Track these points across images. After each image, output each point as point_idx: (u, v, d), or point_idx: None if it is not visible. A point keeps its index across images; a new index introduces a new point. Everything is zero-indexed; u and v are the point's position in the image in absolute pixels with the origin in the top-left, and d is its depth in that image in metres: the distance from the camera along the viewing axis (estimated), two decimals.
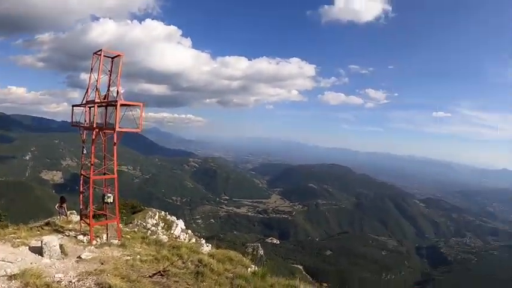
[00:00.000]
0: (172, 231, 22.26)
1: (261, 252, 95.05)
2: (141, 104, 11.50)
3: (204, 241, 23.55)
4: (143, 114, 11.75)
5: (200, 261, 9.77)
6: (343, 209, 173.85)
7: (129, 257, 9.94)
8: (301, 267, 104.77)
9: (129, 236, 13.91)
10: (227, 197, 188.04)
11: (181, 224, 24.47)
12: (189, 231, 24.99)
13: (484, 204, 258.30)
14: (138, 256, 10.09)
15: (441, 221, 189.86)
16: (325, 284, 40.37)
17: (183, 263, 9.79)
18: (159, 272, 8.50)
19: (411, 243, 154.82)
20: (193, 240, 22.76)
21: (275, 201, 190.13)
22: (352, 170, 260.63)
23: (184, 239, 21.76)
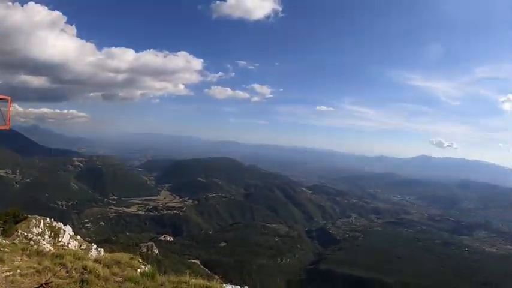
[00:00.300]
0: (60, 239, 21.61)
1: (156, 251, 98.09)
2: (8, 98, 11.01)
3: (95, 246, 23.46)
4: (11, 109, 11.26)
5: (85, 268, 9.28)
6: (234, 201, 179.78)
7: (8, 273, 9.03)
8: (198, 261, 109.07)
9: (8, 249, 12.27)
10: (115, 197, 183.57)
11: (69, 230, 23.59)
12: (79, 237, 24.59)
13: (365, 187, 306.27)
14: (18, 270, 9.25)
15: (327, 205, 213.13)
16: (217, 276, 41.23)
17: (67, 272, 9.16)
18: (41, 285, 8.01)
19: (301, 227, 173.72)
20: (84, 246, 22.70)
21: (165, 198, 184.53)
22: (240, 162, 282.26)
23: (74, 246, 21.53)
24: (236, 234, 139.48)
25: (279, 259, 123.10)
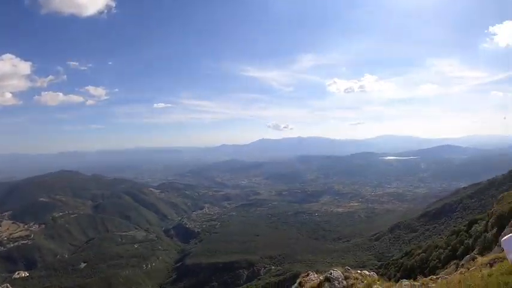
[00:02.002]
0: None
1: None
2: None
3: None
4: None
5: None
6: (83, 216, 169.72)
7: None
8: None
9: None
10: None
11: None
12: None
13: (213, 177, 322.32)
14: None
15: (179, 201, 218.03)
16: None
17: None
18: None
19: (158, 228, 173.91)
20: None
21: (8, 228, 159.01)
22: (82, 173, 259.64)
23: None
24: (94, 251, 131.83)
25: (144, 265, 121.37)
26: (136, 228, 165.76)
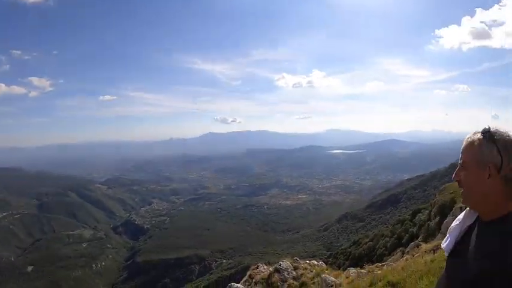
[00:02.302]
0: None
1: None
2: None
3: None
4: None
5: None
6: (28, 216, 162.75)
7: None
8: None
9: None
10: None
11: None
12: None
13: (161, 171, 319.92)
14: None
15: (126, 197, 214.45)
16: None
17: None
18: None
19: (106, 226, 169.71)
20: None
21: None
22: (25, 170, 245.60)
23: None
24: (41, 253, 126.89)
25: (93, 265, 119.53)
26: (83, 227, 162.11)
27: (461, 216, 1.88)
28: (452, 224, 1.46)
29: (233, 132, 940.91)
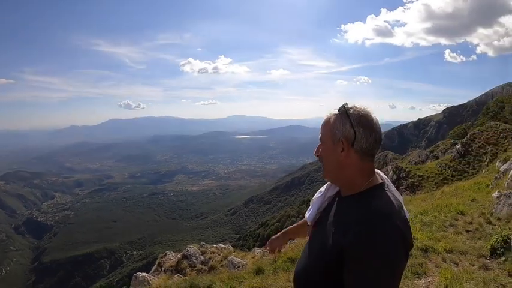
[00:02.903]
0: None
1: None
2: None
3: None
4: None
5: None
6: None
7: None
8: None
9: None
10: None
11: None
12: None
13: (62, 162, 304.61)
14: None
15: (26, 192, 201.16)
16: None
17: None
18: None
19: (7, 226, 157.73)
20: None
21: None
22: None
23: None
24: None
25: None
26: None
27: (323, 188, 1.95)
28: (315, 196, 2.00)
29: (137, 118, 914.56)
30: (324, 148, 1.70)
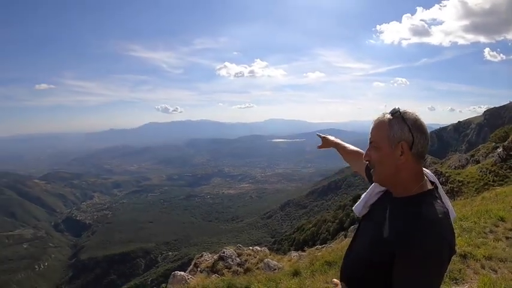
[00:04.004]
0: None
1: None
2: None
3: None
4: None
5: None
6: None
7: None
8: None
9: None
10: None
11: None
12: None
13: (101, 164, 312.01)
14: None
15: (67, 192, 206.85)
16: None
17: None
18: None
19: (47, 224, 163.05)
20: None
21: None
22: None
23: None
24: None
25: (36, 266, 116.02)
26: (23, 226, 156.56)
27: (371, 187, 2.04)
28: (365, 193, 2.15)
29: (174, 122, 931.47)
30: (379, 152, 1.73)
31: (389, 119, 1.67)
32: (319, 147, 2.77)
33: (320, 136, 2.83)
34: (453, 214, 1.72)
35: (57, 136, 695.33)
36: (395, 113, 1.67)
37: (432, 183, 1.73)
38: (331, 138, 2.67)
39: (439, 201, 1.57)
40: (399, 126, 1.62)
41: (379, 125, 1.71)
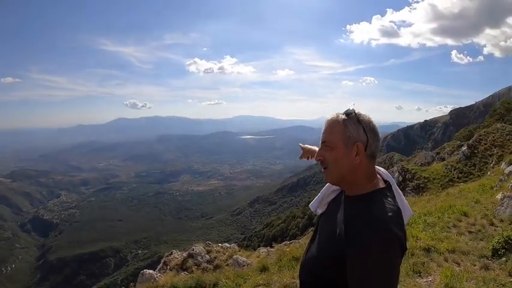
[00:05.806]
0: None
1: None
2: None
3: None
4: None
5: None
6: None
7: None
8: None
9: None
10: None
11: None
12: None
13: (68, 161, 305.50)
14: None
15: (33, 190, 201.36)
16: None
17: None
18: None
19: (13, 224, 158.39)
20: None
21: None
22: None
23: None
24: None
25: (3, 269, 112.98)
26: None
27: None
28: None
29: (143, 117, 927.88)
30: (333, 152, 1.72)
31: (343, 119, 1.69)
32: (301, 157, 2.83)
33: (301, 146, 2.86)
34: (409, 212, 1.85)
35: (23, 132, 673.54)
36: (350, 113, 1.69)
37: (385, 181, 1.78)
38: (313, 147, 2.72)
39: (389, 199, 1.63)
40: (354, 127, 1.66)
41: (333, 125, 1.73)
